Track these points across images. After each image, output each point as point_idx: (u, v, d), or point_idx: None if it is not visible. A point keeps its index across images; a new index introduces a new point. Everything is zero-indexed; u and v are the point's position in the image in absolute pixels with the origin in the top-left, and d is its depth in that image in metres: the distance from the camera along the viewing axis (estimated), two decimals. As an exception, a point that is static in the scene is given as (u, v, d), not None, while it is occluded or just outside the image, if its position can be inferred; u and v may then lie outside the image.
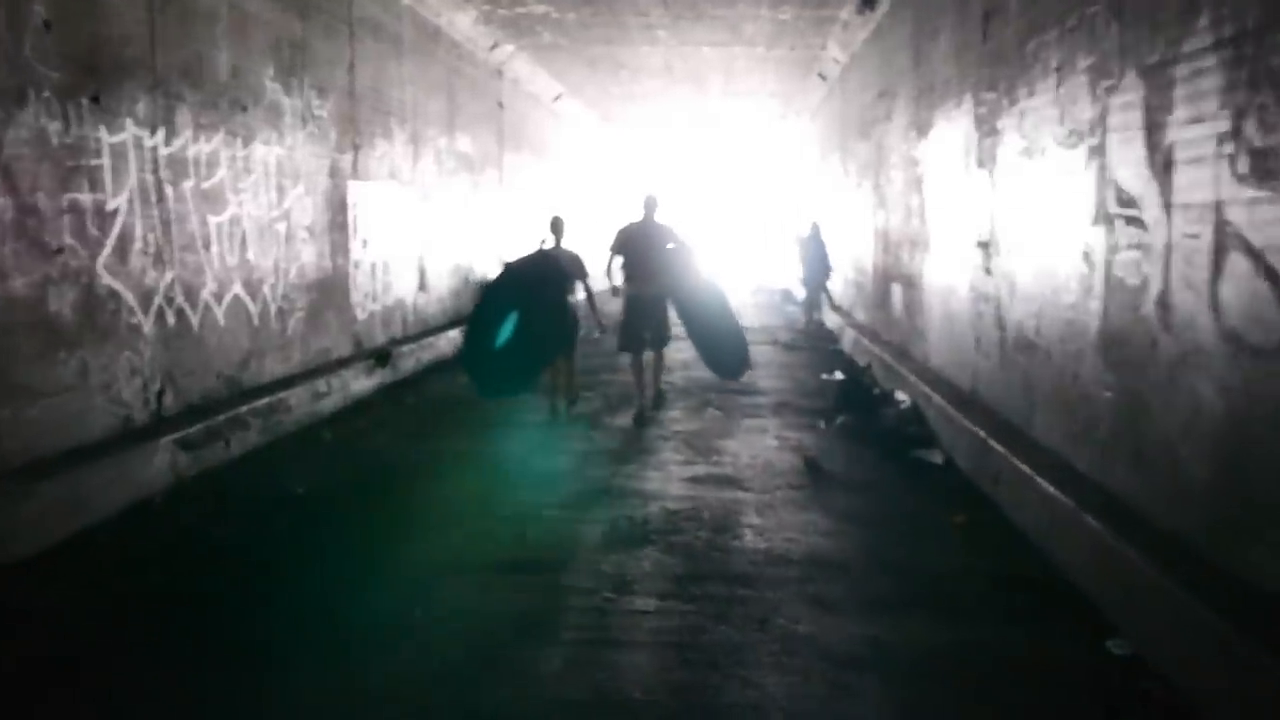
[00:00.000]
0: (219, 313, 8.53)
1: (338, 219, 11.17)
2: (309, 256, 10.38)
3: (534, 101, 22.21)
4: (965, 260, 9.15)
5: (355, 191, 11.65)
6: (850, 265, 17.61)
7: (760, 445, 8.84)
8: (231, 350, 8.77)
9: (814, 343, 16.40)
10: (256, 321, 9.21)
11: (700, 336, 10.24)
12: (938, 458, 8.37)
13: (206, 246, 8.35)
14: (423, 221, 14.20)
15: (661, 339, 10.26)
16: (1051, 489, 5.95)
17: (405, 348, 12.84)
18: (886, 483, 7.67)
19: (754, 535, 6.21)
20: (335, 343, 11.08)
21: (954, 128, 9.65)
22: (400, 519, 6.58)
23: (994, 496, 6.96)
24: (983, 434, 7.51)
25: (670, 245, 10.00)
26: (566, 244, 10.08)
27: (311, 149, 10.42)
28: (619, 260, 10.09)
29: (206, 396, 8.30)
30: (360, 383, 10.99)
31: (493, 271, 17.70)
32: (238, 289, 8.85)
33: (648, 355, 10.32)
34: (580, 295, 10.02)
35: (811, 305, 18.59)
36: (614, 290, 10.26)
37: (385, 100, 12.62)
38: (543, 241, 10.13)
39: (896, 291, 12.90)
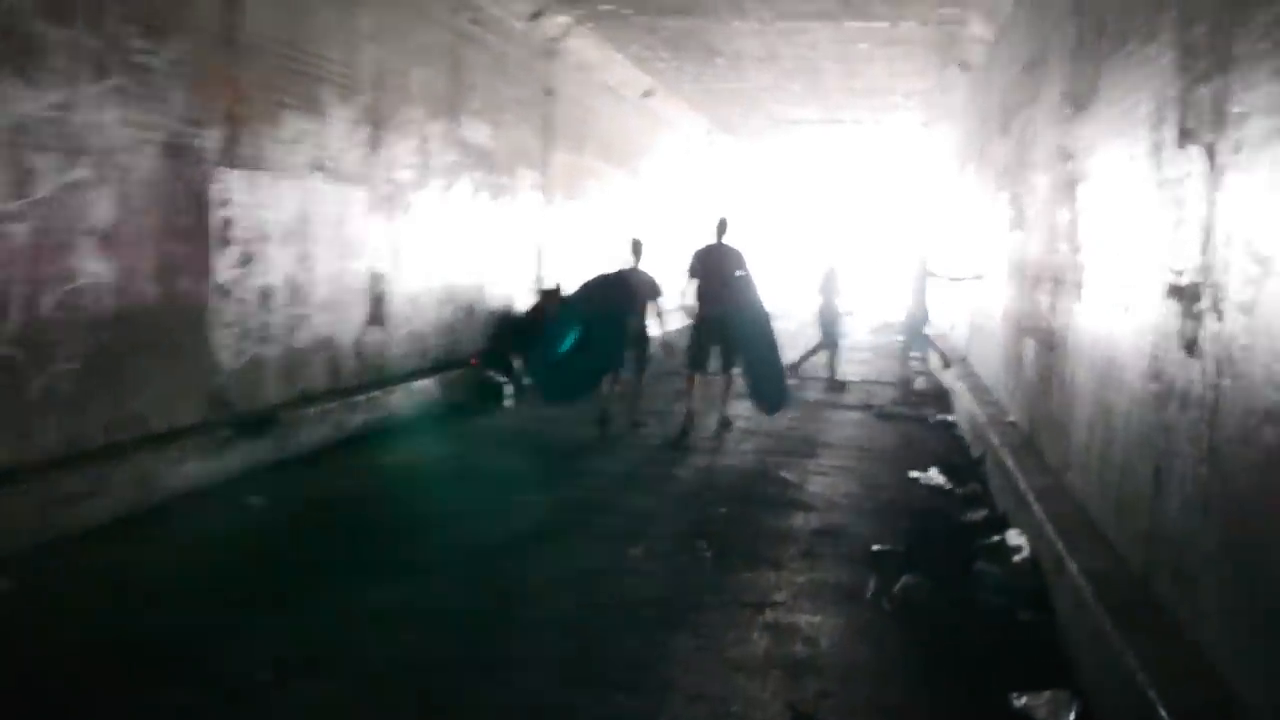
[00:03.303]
0: None
1: (185, 221, 7.58)
2: (100, 276, 6.79)
3: (610, 95, 18.46)
4: (1144, 319, 4.97)
5: (229, 184, 8.04)
6: (976, 306, 13.29)
7: (728, 655, 4.77)
8: None
9: (920, 408, 12.13)
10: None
11: (749, 364, 10.20)
12: (1066, 709, 4.20)
13: None
14: (383, 231, 10.55)
15: (730, 361, 10.35)
16: None
17: (323, 406, 9.17)
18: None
19: None
20: (165, 405, 7.47)
21: (1136, 79, 5.48)
22: None
23: None
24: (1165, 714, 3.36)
25: (739, 272, 10.27)
26: (643, 266, 10.57)
27: (123, 112, 6.85)
28: (694, 284, 10.38)
29: None
30: (190, 468, 7.35)
31: (523, 301, 14.14)
32: None
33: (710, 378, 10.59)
34: (655, 317, 10.47)
35: (905, 358, 14.46)
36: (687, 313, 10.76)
37: (312, 60, 9.01)
38: (623, 263, 10.62)
39: (1029, 351, 8.65)
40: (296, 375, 9.16)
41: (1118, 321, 5.49)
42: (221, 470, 7.66)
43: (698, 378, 10.32)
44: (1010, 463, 7.41)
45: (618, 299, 10.08)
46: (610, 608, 5.30)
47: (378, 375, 10.54)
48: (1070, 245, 7.08)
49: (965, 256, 14.85)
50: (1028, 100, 9.81)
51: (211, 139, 7.78)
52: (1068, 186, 7.33)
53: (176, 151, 7.40)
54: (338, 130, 9.51)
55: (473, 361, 12.50)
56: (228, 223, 8.05)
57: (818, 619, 5.22)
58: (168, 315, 7.45)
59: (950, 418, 11.37)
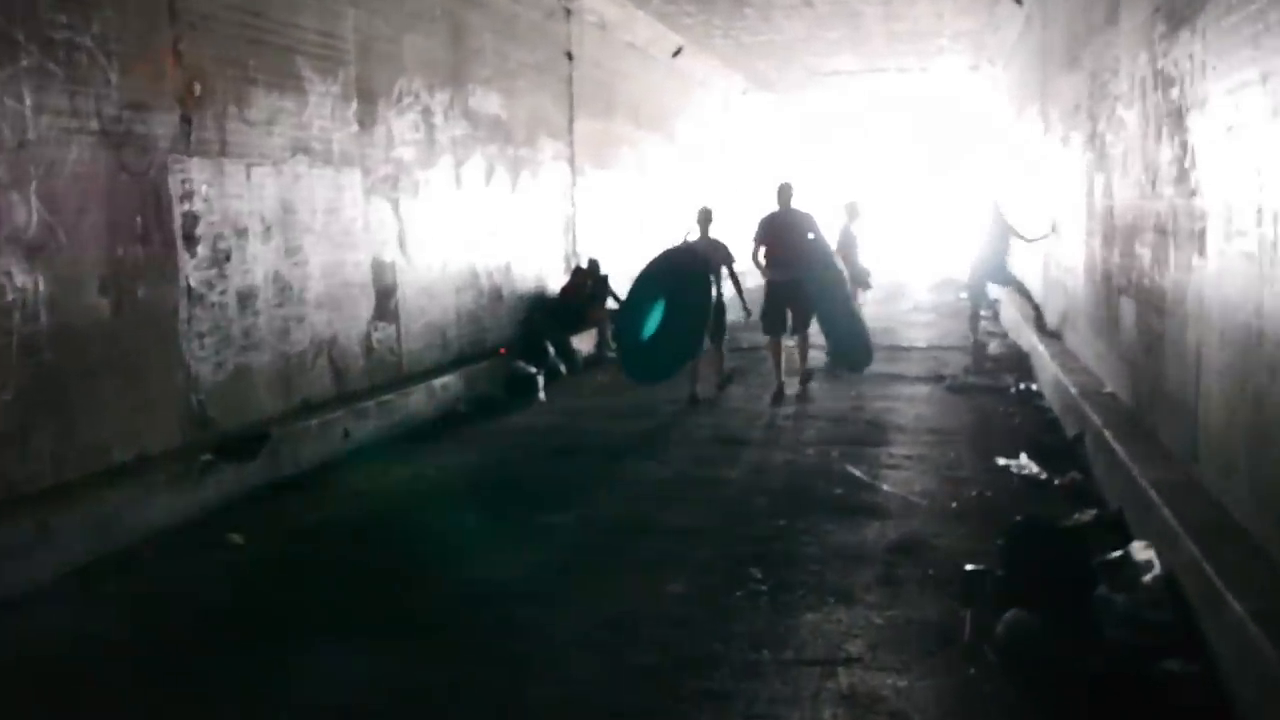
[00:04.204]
0: None
1: (139, 220, 6.58)
2: (31, 290, 5.80)
3: (637, 56, 17.25)
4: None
5: (191, 174, 7.03)
6: (1050, 258, 12.02)
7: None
8: None
9: (997, 377, 10.90)
10: None
11: (829, 326, 10.55)
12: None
13: None
14: (386, 216, 9.52)
15: (802, 322, 10.43)
16: None
17: (326, 415, 8.18)
18: None
19: None
20: (130, 431, 6.51)
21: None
22: None
23: None
24: None
25: (810, 235, 10.33)
26: (713, 234, 10.45)
27: (41, 98, 5.84)
28: (762, 250, 10.37)
29: None
30: (161, 504, 6.36)
31: (557, 281, 13.13)
32: None
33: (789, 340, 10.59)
34: (729, 283, 10.34)
35: (975, 318, 13.10)
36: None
37: (281, 29, 7.96)
38: (687, 234, 10.79)
39: (1128, 312, 7.43)
40: (294, 383, 8.18)
41: (1270, 283, 4.29)
42: (200, 502, 6.67)
43: (780, 342, 10.41)
44: (1119, 448, 6.23)
45: (695, 273, 9.93)
46: (643, 675, 4.22)
47: (392, 375, 9.54)
48: (1181, 188, 5.86)
49: (1030, 206, 13.57)
50: (1102, 24, 8.56)
51: (162, 125, 6.75)
52: (1172, 117, 6.11)
53: (118, 141, 6.38)
54: (321, 108, 8.45)
55: (501, 351, 11.49)
56: (193, 218, 7.05)
57: (905, 681, 4.10)
58: (126, 328, 6.46)
59: (1033, 386, 10.14)
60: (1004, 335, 13.60)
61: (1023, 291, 12.63)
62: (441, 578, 5.47)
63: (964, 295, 16.51)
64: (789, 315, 10.32)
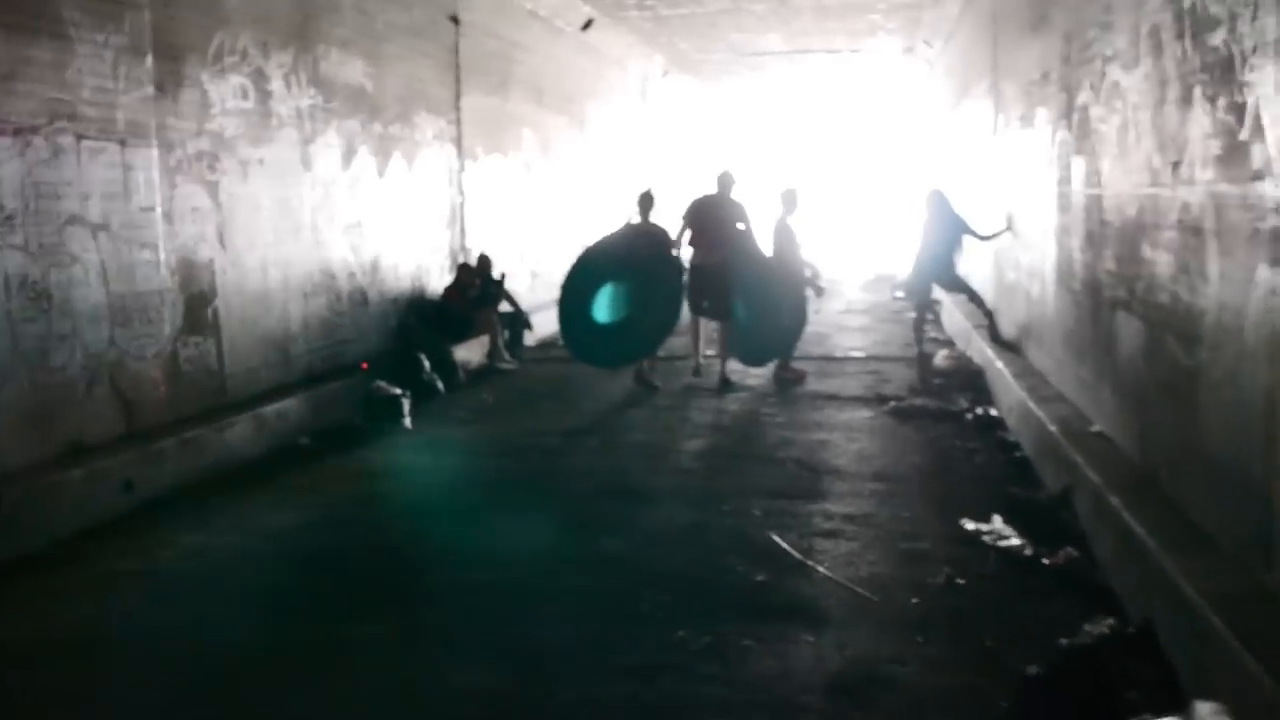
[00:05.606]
0: None
1: None
2: None
3: (541, 26, 15.35)
4: None
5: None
6: (1004, 259, 10.43)
7: None
8: None
9: (947, 397, 9.24)
10: None
11: (741, 316, 10.12)
12: None
13: None
14: (199, 203, 7.59)
15: (722, 310, 10.12)
16: None
17: (98, 463, 6.27)
18: None
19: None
20: None
21: None
22: None
23: None
24: None
25: (740, 225, 10.17)
26: (654, 219, 10.23)
27: None
28: (688, 233, 10.16)
29: None
30: None
31: (439, 283, 11.29)
32: None
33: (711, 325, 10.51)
34: None
35: (920, 326, 11.20)
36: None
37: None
38: (628, 221, 10.51)
39: (1130, 334, 5.78)
40: (56, 421, 6.25)
41: None
42: None
43: (699, 321, 10.45)
44: (1137, 528, 4.55)
45: (665, 257, 9.87)
46: None
47: (210, 403, 7.65)
48: (1232, 171, 4.20)
49: (978, 199, 11.97)
50: (1083, -28, 6.90)
51: None
52: (1212, 72, 4.45)
53: None
54: (97, 63, 6.51)
55: (363, 366, 9.61)
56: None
57: None
58: None
59: (992, 411, 8.49)
60: (950, 344, 11.96)
61: (973, 296, 10.97)
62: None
63: (899, 294, 14.94)
64: (707, 300, 10.13)
